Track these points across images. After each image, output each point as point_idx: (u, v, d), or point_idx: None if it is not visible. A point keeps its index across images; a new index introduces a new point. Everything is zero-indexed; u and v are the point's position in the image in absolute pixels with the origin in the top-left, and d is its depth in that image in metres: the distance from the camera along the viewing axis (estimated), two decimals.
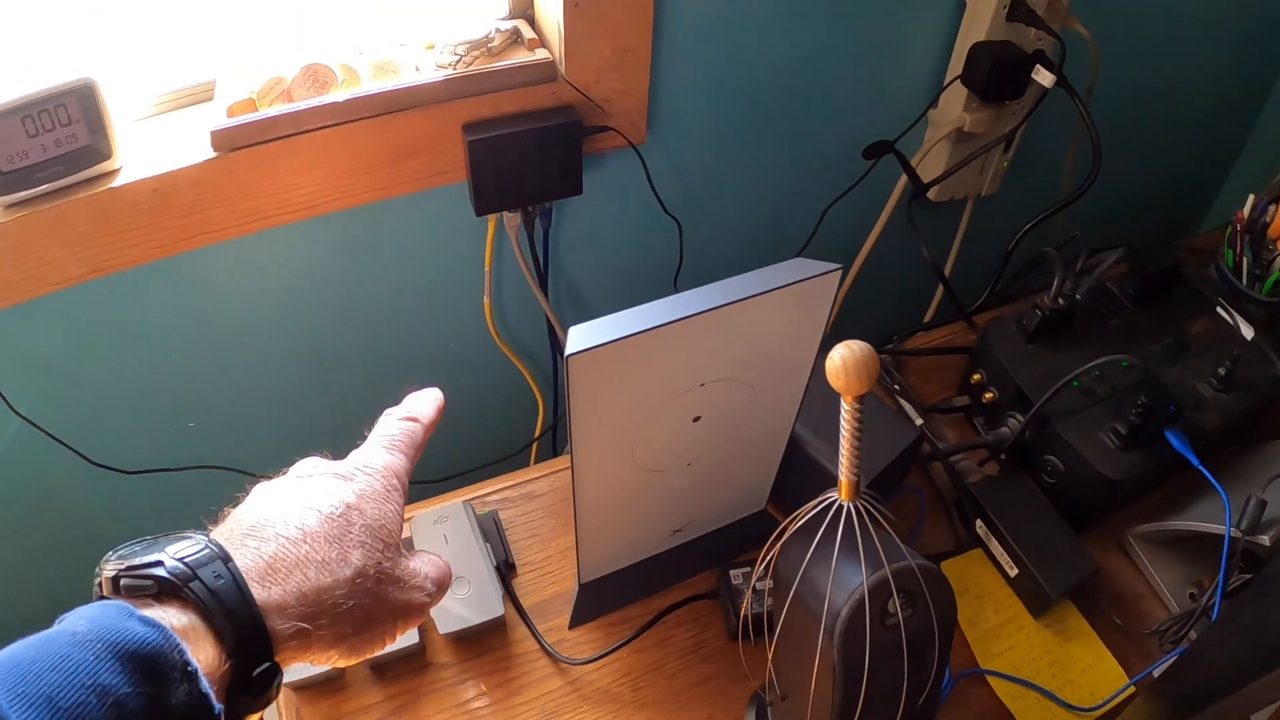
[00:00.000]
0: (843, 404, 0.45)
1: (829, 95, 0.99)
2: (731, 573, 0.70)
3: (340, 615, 0.38)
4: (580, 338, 0.48)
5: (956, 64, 0.97)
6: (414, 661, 0.67)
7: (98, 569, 0.36)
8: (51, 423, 0.83)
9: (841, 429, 0.45)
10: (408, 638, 0.64)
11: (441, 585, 0.44)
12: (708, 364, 0.55)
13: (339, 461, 0.44)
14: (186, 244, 0.77)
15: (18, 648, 0.30)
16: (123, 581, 0.34)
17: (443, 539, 0.69)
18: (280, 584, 0.36)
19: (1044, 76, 0.92)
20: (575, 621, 0.70)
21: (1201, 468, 0.71)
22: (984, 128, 1.00)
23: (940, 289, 1.18)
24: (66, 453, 0.85)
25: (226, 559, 0.36)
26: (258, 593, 0.35)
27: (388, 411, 0.47)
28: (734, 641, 0.69)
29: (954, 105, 0.99)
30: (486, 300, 0.97)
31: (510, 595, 0.70)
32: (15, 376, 0.81)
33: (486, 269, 0.94)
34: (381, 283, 0.92)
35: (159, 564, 0.34)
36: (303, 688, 0.65)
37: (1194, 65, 1.22)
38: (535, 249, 0.94)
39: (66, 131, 0.69)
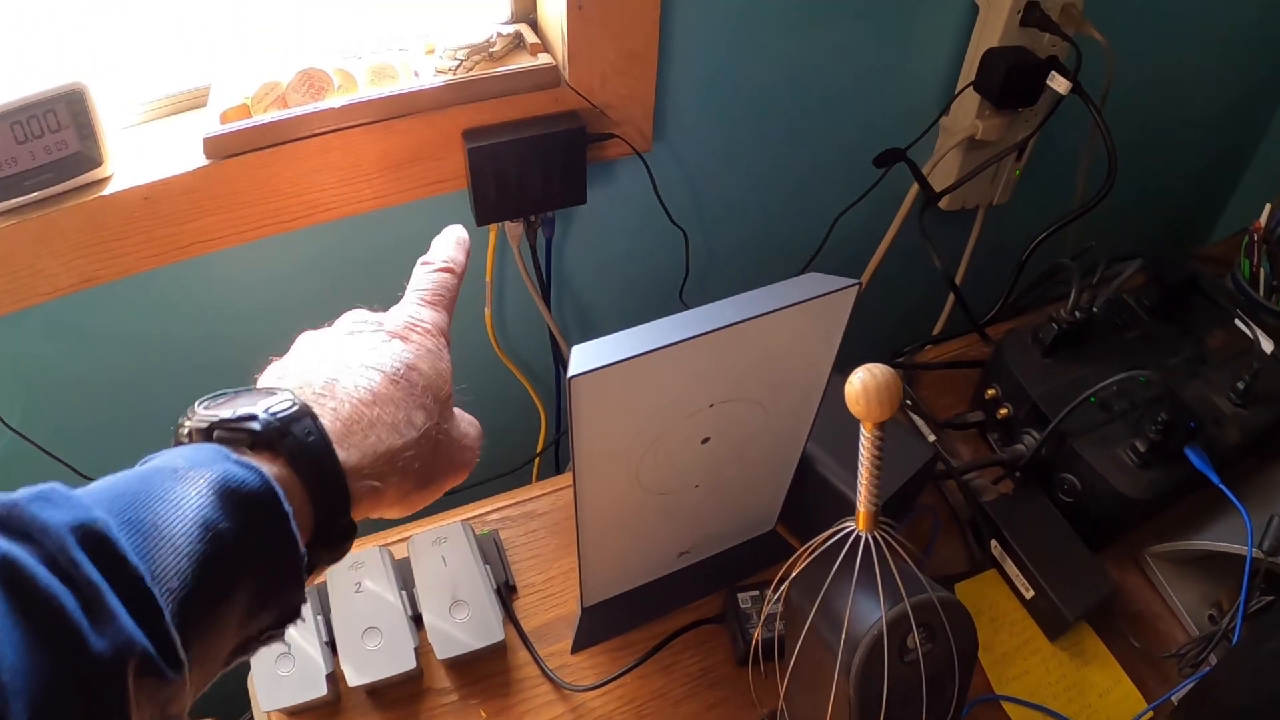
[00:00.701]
0: (862, 431, 0.43)
1: (839, 103, 0.97)
2: (739, 596, 0.68)
3: (406, 473, 0.40)
4: (584, 358, 0.46)
5: (969, 70, 0.95)
6: (411, 686, 0.65)
7: (182, 420, 0.37)
8: (42, 436, 0.81)
9: (860, 457, 0.43)
10: (404, 662, 0.62)
11: (480, 442, 0.45)
12: (718, 384, 0.53)
13: (385, 315, 0.45)
14: (179, 254, 0.75)
15: (118, 479, 0.31)
16: (217, 434, 0.35)
17: (441, 560, 0.67)
18: (356, 446, 0.37)
19: (1059, 83, 0.90)
20: (578, 646, 0.68)
21: (1222, 486, 0.70)
22: (997, 135, 0.98)
23: (951, 300, 1.16)
24: (58, 466, 0.83)
25: (314, 417, 0.36)
26: (338, 454, 0.37)
27: (421, 261, 0.48)
28: (741, 667, 0.67)
29: (966, 112, 0.97)
30: (487, 311, 0.95)
31: (511, 618, 0.68)
32: (5, 388, 0.79)
33: (487, 279, 0.92)
34: (378, 293, 0.89)
35: (254, 418, 0.35)
36: (297, 713, 0.63)
37: (1207, 70, 1.20)
38: (537, 259, 0.92)
39: (56, 138, 0.67)
